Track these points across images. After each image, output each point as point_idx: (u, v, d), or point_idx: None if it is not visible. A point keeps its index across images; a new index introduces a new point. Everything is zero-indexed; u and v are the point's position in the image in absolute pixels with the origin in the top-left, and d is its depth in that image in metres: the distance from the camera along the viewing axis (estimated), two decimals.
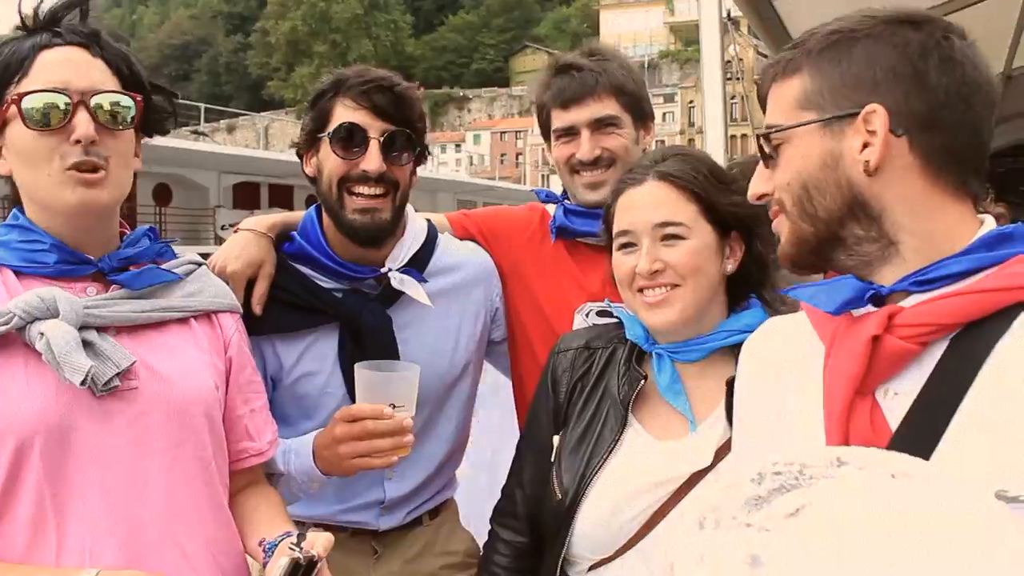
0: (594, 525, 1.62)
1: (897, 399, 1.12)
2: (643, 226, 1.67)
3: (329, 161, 2.02)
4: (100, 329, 1.46)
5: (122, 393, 1.45)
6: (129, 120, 1.52)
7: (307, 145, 2.09)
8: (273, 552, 1.52)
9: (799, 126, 1.18)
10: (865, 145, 1.13)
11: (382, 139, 1.99)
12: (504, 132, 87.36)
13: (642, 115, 2.25)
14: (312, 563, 1.43)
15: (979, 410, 1.04)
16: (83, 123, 1.44)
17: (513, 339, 2.36)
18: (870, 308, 1.17)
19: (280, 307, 2.04)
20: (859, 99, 1.13)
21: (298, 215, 2.20)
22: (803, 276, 1.47)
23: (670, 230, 1.65)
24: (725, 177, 1.72)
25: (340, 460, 1.83)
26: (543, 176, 76.05)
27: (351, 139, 1.98)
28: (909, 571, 0.78)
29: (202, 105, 45.67)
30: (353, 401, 1.91)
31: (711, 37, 3.59)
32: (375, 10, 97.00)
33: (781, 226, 1.25)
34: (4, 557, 1.38)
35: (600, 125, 2.18)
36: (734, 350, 1.64)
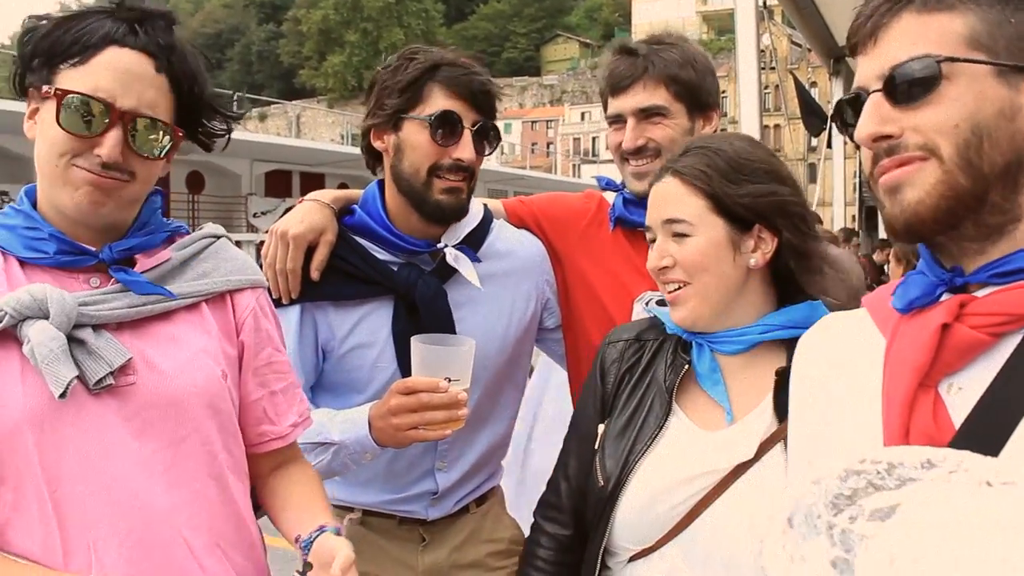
0: (634, 513, 1.61)
1: (961, 394, 1.06)
2: (656, 222, 1.71)
3: (420, 144, 2.04)
4: (99, 325, 1.43)
5: (119, 390, 1.42)
6: (160, 153, 1.48)
7: (387, 121, 2.09)
8: (309, 549, 1.50)
9: (980, 63, 1.07)
10: None
11: (474, 129, 2.03)
12: (535, 121, 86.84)
13: (700, 105, 2.21)
14: None
15: None
16: (111, 143, 1.41)
17: (569, 327, 2.36)
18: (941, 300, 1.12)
19: (337, 276, 2.08)
20: None
21: (359, 193, 2.23)
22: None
23: (676, 227, 1.67)
24: (745, 167, 1.66)
25: (394, 432, 1.86)
26: (574, 166, 75.76)
27: (448, 125, 2.01)
28: None
29: (235, 93, 45.99)
30: (404, 375, 1.95)
31: (747, 26, 3.54)
32: None
33: (922, 177, 1.09)
34: (26, 552, 1.38)
35: (646, 114, 2.16)
36: (784, 344, 1.63)
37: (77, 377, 1.36)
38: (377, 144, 2.13)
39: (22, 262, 1.46)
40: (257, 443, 1.66)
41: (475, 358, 1.89)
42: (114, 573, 1.38)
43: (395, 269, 2.09)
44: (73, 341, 1.39)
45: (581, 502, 1.76)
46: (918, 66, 1.08)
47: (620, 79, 2.17)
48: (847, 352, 1.26)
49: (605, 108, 2.27)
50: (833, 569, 0.79)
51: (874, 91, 1.12)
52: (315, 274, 2.05)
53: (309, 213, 2.09)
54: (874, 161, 1.14)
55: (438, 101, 2.02)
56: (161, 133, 1.47)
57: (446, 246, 2.11)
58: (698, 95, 2.19)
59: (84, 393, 1.39)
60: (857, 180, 14.44)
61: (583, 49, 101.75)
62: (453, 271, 2.10)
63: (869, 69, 1.13)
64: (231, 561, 1.53)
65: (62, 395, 1.33)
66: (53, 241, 1.45)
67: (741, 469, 1.55)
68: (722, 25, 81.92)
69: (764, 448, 1.55)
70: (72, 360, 1.36)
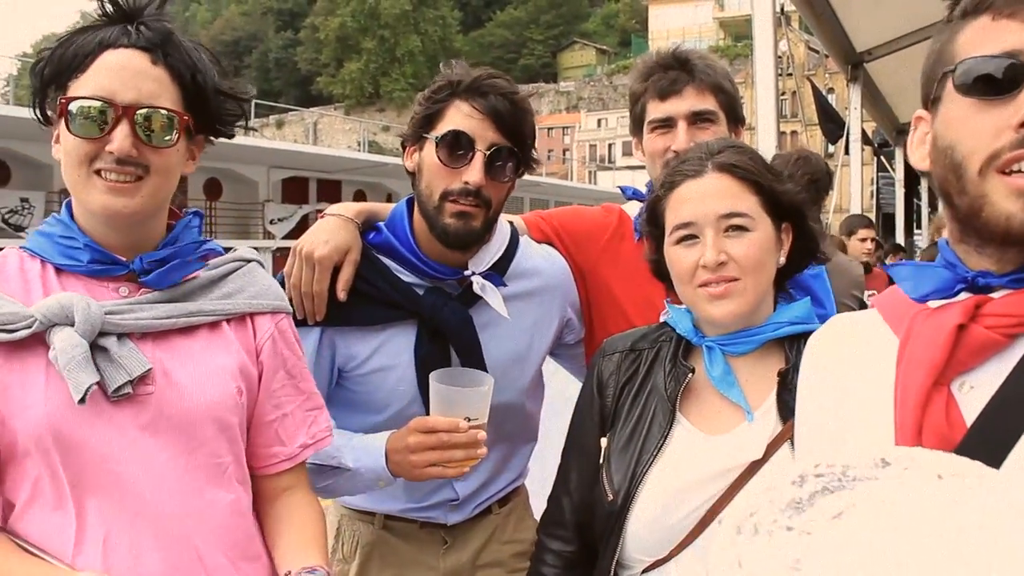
0: (646, 525, 1.59)
1: (973, 393, 1.07)
2: (707, 218, 1.62)
3: (432, 166, 1.99)
4: (124, 334, 1.48)
5: (138, 398, 1.47)
6: (170, 139, 1.52)
7: (412, 139, 2.07)
8: None
9: None
10: None
11: (488, 152, 1.95)
12: (551, 128, 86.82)
13: (736, 117, 2.24)
14: None
15: None
16: (120, 137, 1.46)
17: (592, 339, 2.34)
18: (953, 300, 1.12)
19: (361, 299, 2.03)
20: None
21: (385, 207, 2.19)
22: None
23: (736, 221, 1.61)
24: (775, 168, 1.71)
25: (412, 467, 1.87)
26: (590, 172, 75.73)
27: (458, 146, 1.95)
28: (955, 572, 0.75)
29: (252, 100, 46.28)
30: (424, 399, 1.94)
31: (764, 32, 3.54)
32: (423, 6, 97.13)
33: None
34: (39, 541, 1.44)
35: (697, 119, 2.17)
36: (782, 343, 1.64)
37: (97, 384, 1.40)
38: (407, 163, 2.09)
39: (58, 269, 1.53)
40: (268, 464, 1.69)
41: (496, 377, 1.90)
42: (121, 570, 1.44)
43: (420, 293, 2.06)
44: (97, 349, 1.44)
45: (585, 516, 1.75)
46: None
47: (671, 83, 2.18)
48: (858, 352, 1.25)
49: (638, 115, 2.27)
50: (788, 570, 0.80)
51: None
52: (342, 295, 2.01)
53: (334, 232, 2.04)
54: (1018, 145, 1.04)
55: (454, 120, 1.97)
56: (167, 121, 1.51)
57: (473, 273, 2.07)
58: (735, 108, 2.24)
59: (103, 400, 1.44)
60: (875, 187, 14.34)
61: (600, 56, 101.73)
62: (479, 296, 2.07)
63: None
64: (239, 571, 1.56)
65: (81, 400, 1.38)
66: (87, 251, 1.52)
67: (749, 472, 1.54)
68: (739, 31, 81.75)
69: (772, 448, 1.55)
70: (93, 367, 1.41)
